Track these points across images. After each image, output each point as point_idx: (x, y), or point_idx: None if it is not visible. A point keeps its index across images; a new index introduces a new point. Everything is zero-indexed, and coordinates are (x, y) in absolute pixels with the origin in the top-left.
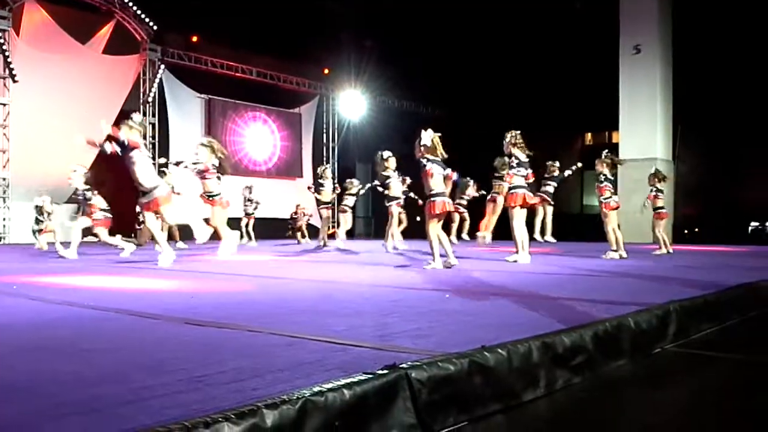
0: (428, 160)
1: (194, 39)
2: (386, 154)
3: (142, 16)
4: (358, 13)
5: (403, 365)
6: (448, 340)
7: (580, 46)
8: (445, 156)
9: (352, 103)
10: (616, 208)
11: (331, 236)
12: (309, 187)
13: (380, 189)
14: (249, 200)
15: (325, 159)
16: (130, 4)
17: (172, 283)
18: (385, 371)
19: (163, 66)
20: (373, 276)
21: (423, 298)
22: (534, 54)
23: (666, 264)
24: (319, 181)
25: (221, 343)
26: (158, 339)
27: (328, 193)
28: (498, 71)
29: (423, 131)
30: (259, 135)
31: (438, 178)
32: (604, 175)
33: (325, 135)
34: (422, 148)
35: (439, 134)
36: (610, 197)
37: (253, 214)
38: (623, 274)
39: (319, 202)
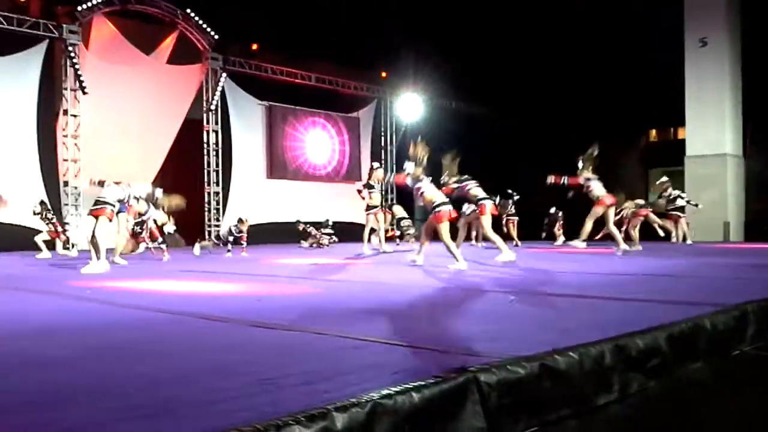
0: (418, 180)
1: (254, 47)
2: (375, 165)
3: (204, 26)
4: (416, 16)
5: (472, 368)
6: (515, 343)
7: (642, 40)
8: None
9: (410, 106)
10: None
11: (390, 239)
12: (359, 191)
13: (362, 197)
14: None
15: (383, 162)
16: (193, 14)
17: (238, 287)
18: (454, 374)
19: (224, 74)
20: (430, 278)
21: (486, 300)
22: (594, 51)
23: (737, 263)
24: (369, 182)
25: (289, 346)
26: (227, 342)
27: (377, 197)
28: (556, 69)
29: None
30: (318, 140)
31: (431, 191)
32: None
33: (383, 138)
34: (407, 176)
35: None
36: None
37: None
38: (692, 275)
39: (367, 207)
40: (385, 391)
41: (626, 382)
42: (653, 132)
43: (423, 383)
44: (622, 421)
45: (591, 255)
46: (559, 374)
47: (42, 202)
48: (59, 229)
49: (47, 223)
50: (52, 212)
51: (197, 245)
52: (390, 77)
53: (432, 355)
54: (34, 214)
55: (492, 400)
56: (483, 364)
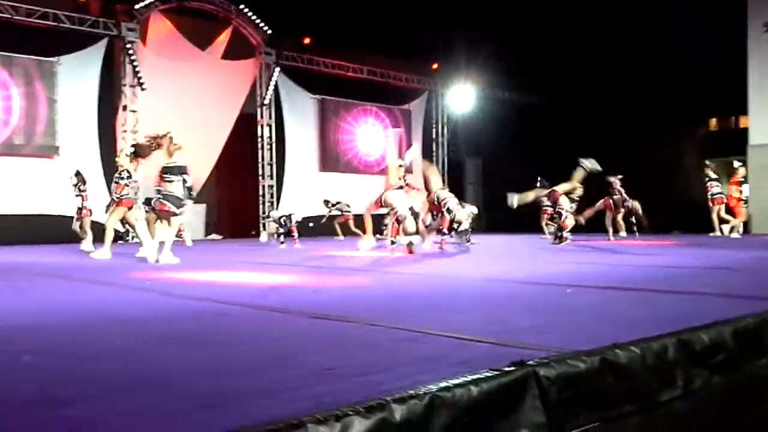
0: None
1: (306, 41)
2: (399, 162)
3: (257, 21)
4: (467, 5)
5: (531, 362)
6: (573, 337)
7: (701, 25)
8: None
9: (461, 98)
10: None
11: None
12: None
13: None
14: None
15: (434, 155)
16: (246, 10)
17: (292, 278)
18: (513, 368)
19: (278, 69)
20: (484, 270)
21: (541, 292)
22: (652, 37)
23: None
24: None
25: (345, 337)
26: (284, 332)
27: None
28: (613, 57)
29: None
30: (369, 133)
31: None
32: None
33: (434, 130)
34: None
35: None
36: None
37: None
38: (753, 269)
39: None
40: (443, 384)
41: (690, 377)
42: (713, 121)
43: (481, 376)
44: (685, 418)
45: (642, 248)
46: (620, 369)
47: (78, 173)
48: (86, 204)
49: (77, 195)
50: (85, 185)
51: (264, 232)
52: (441, 68)
53: (488, 348)
54: (73, 185)
55: (552, 394)
56: (542, 358)
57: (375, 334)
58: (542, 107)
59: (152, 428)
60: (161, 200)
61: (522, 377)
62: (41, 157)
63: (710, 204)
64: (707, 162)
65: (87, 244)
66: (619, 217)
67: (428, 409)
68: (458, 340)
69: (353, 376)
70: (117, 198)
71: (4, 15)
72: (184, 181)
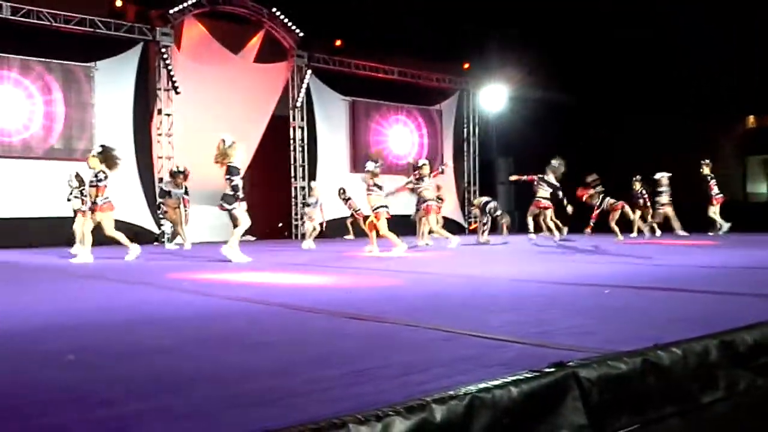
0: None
1: (338, 43)
2: (421, 161)
3: (289, 24)
4: (498, 5)
5: (571, 363)
6: (614, 338)
7: (738, 16)
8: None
9: (493, 97)
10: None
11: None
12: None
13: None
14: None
15: (465, 154)
16: (278, 13)
17: (326, 279)
18: (553, 369)
19: (309, 71)
20: (517, 271)
21: (579, 293)
22: (684, 33)
23: None
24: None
25: (382, 337)
26: (322, 332)
27: (430, 193)
28: (645, 54)
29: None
30: (400, 134)
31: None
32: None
33: (465, 130)
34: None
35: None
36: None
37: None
38: None
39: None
40: (482, 385)
41: (733, 379)
42: (751, 118)
43: (521, 377)
44: (728, 421)
45: (676, 247)
46: (662, 370)
47: (77, 175)
48: (82, 208)
49: (76, 197)
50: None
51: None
52: (473, 68)
53: (526, 348)
54: (74, 187)
55: (593, 396)
56: (582, 359)
57: (411, 335)
58: (574, 106)
59: (193, 427)
60: (221, 199)
61: (562, 378)
62: (79, 160)
63: (713, 203)
64: (706, 161)
65: (77, 247)
66: (638, 216)
67: (468, 409)
68: (496, 340)
69: (392, 376)
70: (102, 202)
71: (43, 22)
72: (231, 180)
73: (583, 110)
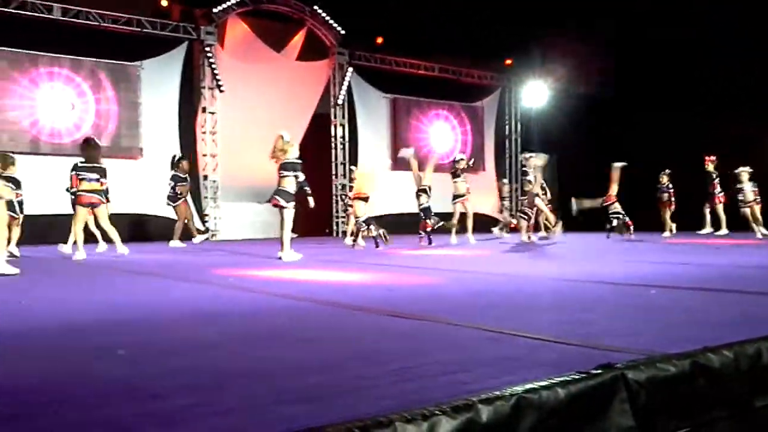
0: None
1: (379, 40)
2: (458, 156)
3: (331, 22)
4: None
5: (619, 365)
6: (661, 339)
7: None
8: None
9: (535, 94)
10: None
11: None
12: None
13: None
14: None
15: (507, 151)
16: (320, 11)
17: (367, 276)
18: (600, 371)
19: (350, 69)
20: (560, 269)
21: (625, 293)
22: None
23: None
24: (524, 169)
25: (426, 336)
26: (365, 330)
27: (462, 187)
28: (688, 50)
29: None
30: (441, 131)
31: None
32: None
33: (507, 127)
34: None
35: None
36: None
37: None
38: None
39: (454, 196)
40: (529, 386)
41: None
42: None
43: (568, 378)
44: None
45: (718, 246)
46: (712, 373)
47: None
48: None
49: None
50: None
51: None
52: (515, 65)
53: (572, 349)
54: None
55: (641, 398)
56: (630, 361)
57: (455, 334)
58: (617, 102)
59: (240, 422)
60: (275, 195)
61: (610, 380)
62: (126, 158)
63: (716, 201)
64: (712, 158)
65: (198, 237)
66: (668, 215)
67: (515, 410)
68: (540, 341)
69: (436, 375)
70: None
71: (92, 23)
72: (297, 177)
73: (628, 106)
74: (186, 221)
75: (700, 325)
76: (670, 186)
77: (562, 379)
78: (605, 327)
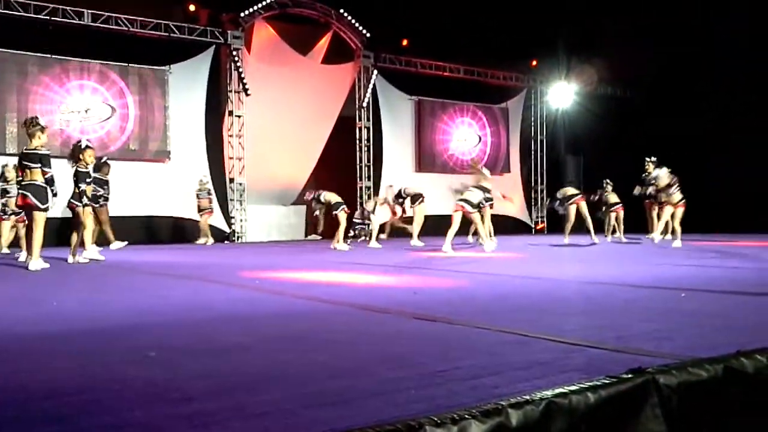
0: None
1: (404, 43)
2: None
3: (357, 25)
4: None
5: (650, 369)
6: (693, 343)
7: None
8: None
9: (561, 95)
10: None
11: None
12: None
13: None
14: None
15: (533, 153)
16: (346, 14)
17: (392, 279)
18: (631, 375)
19: (375, 71)
20: (586, 272)
21: (655, 296)
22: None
23: None
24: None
25: (453, 339)
26: (392, 333)
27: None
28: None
29: None
30: (466, 132)
31: None
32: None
33: (532, 128)
34: None
35: None
36: None
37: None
38: None
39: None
40: (559, 390)
41: None
42: None
43: (599, 383)
44: None
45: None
46: (746, 378)
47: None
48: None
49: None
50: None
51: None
52: (540, 65)
53: (602, 353)
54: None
55: (673, 403)
56: (662, 366)
57: (483, 337)
58: (644, 102)
59: (270, 425)
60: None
61: (641, 385)
62: (155, 161)
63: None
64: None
65: (116, 243)
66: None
67: (545, 415)
68: (570, 345)
69: (464, 379)
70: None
71: (121, 28)
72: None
73: (654, 106)
74: (102, 226)
75: (732, 329)
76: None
77: (592, 383)
78: (635, 331)
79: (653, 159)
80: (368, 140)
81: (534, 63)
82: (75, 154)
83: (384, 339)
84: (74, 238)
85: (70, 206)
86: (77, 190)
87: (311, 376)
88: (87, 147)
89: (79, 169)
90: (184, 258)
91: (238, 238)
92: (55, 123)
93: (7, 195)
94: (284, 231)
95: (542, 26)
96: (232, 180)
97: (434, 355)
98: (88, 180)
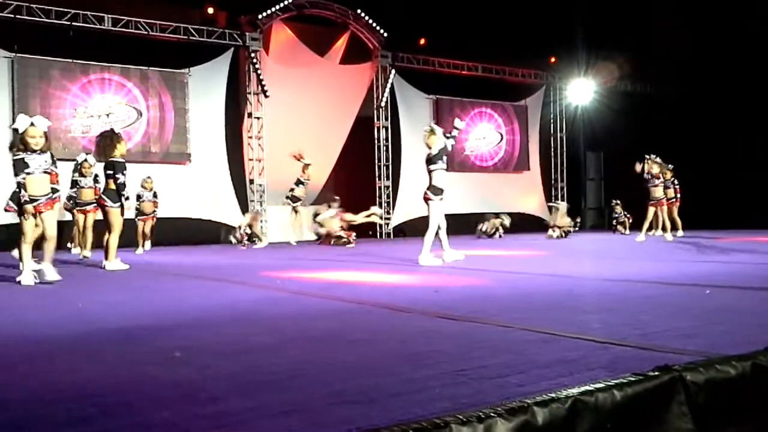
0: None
1: (422, 42)
2: None
3: (374, 25)
4: None
5: (676, 367)
6: (719, 341)
7: None
8: None
9: (580, 91)
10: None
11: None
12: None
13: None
14: None
15: (552, 150)
16: (363, 14)
17: (413, 278)
18: (658, 373)
19: (393, 71)
20: (607, 270)
21: (679, 293)
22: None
23: None
24: (646, 177)
25: (476, 338)
26: (415, 332)
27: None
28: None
29: None
30: (484, 131)
31: None
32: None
33: (552, 125)
34: None
35: None
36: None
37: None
38: None
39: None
40: (585, 388)
41: None
42: None
43: (625, 381)
44: None
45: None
46: None
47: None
48: None
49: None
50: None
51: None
52: (559, 62)
53: (627, 351)
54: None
55: (700, 400)
56: (688, 363)
57: (507, 336)
58: (663, 99)
59: (296, 424)
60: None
61: (668, 382)
62: (175, 163)
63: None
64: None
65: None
66: (675, 213)
67: (571, 413)
68: (595, 342)
69: (489, 377)
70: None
71: (141, 32)
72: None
73: (674, 102)
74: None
75: (759, 326)
76: (676, 182)
77: (618, 381)
78: (660, 328)
79: (653, 157)
80: (387, 140)
81: (553, 60)
82: (108, 143)
83: (408, 338)
84: (112, 240)
85: (99, 202)
86: (113, 184)
87: (336, 375)
88: (120, 137)
89: (115, 160)
90: (206, 259)
91: (256, 241)
92: (77, 128)
93: (78, 186)
94: (305, 231)
95: (561, 22)
96: (252, 181)
97: (457, 354)
98: (124, 171)
